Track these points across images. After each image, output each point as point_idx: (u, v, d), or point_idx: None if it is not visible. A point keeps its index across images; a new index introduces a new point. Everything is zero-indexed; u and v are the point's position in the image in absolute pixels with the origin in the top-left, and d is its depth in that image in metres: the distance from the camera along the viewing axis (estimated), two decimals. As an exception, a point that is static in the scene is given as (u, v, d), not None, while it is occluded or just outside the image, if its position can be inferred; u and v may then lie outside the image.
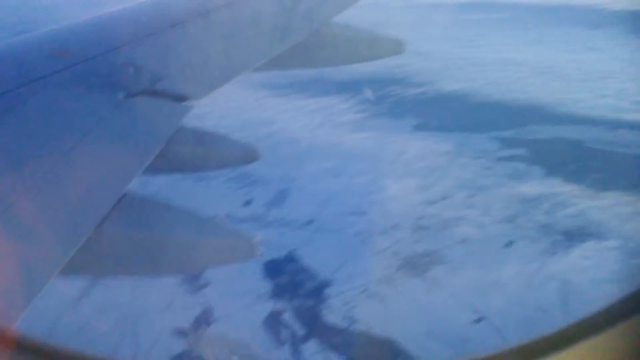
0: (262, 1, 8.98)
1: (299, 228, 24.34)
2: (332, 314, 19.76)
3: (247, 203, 26.52)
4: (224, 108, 29.46)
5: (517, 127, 32.15)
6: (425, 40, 45.02)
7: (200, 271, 20.17)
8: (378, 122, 34.44)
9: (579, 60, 42.43)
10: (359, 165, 28.87)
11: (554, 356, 2.12)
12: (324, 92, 38.35)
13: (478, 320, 19.00)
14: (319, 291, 20.76)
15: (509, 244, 22.55)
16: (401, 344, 18.24)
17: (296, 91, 38.46)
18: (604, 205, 24.42)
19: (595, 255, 21.48)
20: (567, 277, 20.46)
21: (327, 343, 18.81)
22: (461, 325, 18.81)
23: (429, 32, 48.58)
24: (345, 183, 27.41)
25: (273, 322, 19.54)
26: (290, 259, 22.37)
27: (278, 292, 20.81)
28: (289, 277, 21.49)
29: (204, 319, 19.64)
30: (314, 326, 19.38)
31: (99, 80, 5.65)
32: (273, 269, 21.74)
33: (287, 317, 19.77)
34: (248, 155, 6.30)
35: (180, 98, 5.75)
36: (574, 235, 22.78)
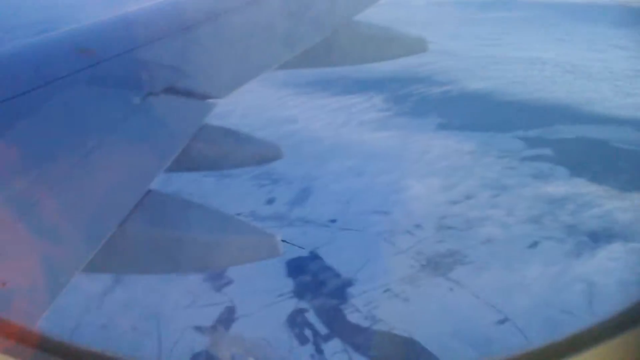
0: (285, 0, 8.96)
1: (321, 226, 24.33)
2: (355, 313, 19.72)
3: (270, 201, 26.57)
4: (246, 106, 29.49)
5: (542, 127, 31.94)
6: (448, 39, 44.90)
7: (222, 269, 20.22)
8: (401, 121, 34.37)
9: (604, 59, 42.09)
10: (381, 164, 28.80)
11: (576, 357, 2.08)
12: (347, 91, 38.35)
13: (502, 321, 18.88)
14: (341, 290, 20.73)
15: (534, 244, 22.38)
16: (424, 344, 18.17)
17: (319, 90, 38.48)
18: (630, 206, 24.17)
19: (622, 257, 21.25)
20: (593, 279, 20.27)
21: (350, 342, 18.77)
22: (485, 326, 18.69)
23: (452, 30, 48.47)
24: (368, 182, 27.36)
25: (295, 320, 19.55)
26: (313, 257, 22.37)
27: (300, 291, 20.81)
28: (311, 276, 21.49)
29: (226, 317, 19.69)
30: (336, 325, 19.35)
31: (123, 78, 5.65)
32: (296, 267, 21.75)
33: (310, 315, 19.77)
34: (271, 154, 6.27)
35: (203, 96, 5.74)
36: (600, 236, 22.56)
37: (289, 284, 21.09)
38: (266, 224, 23.82)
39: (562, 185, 26.11)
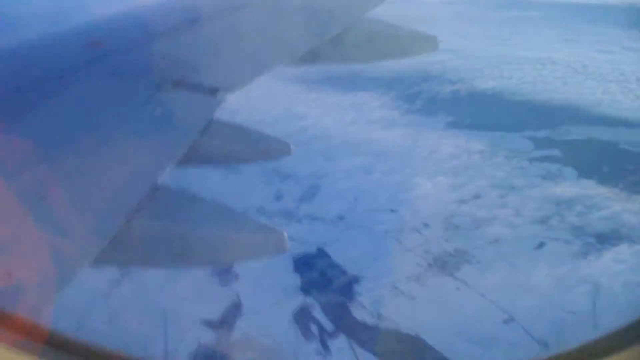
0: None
1: (329, 224, 24.33)
2: (361, 311, 19.72)
3: (278, 198, 26.57)
4: (256, 101, 29.53)
5: (552, 127, 31.86)
6: (459, 37, 44.89)
7: (229, 265, 20.26)
8: (411, 119, 34.34)
9: (615, 61, 41.98)
10: (391, 163, 28.80)
11: None
12: (357, 88, 38.36)
13: (507, 321, 18.86)
14: (348, 288, 20.73)
15: (541, 245, 22.35)
16: (430, 343, 18.17)
17: (329, 86, 38.48)
18: (638, 209, 24.11)
19: (628, 259, 21.21)
20: (599, 280, 20.23)
21: (355, 339, 18.78)
22: (490, 325, 18.68)
23: (463, 29, 48.46)
24: (377, 180, 27.35)
25: (301, 317, 19.57)
26: (320, 254, 22.38)
27: (307, 287, 20.82)
28: (318, 273, 21.50)
29: (232, 313, 19.72)
30: (343, 323, 19.36)
31: (132, 72, 5.67)
32: (303, 264, 21.77)
33: (316, 312, 19.78)
34: (279, 150, 6.27)
35: (212, 91, 5.75)
36: (607, 238, 22.51)
37: (295, 280, 21.10)
38: (274, 220, 23.86)
39: (570, 187, 26.04)
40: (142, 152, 4.60)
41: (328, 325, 19.31)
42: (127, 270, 18.99)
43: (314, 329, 19.20)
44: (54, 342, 2.44)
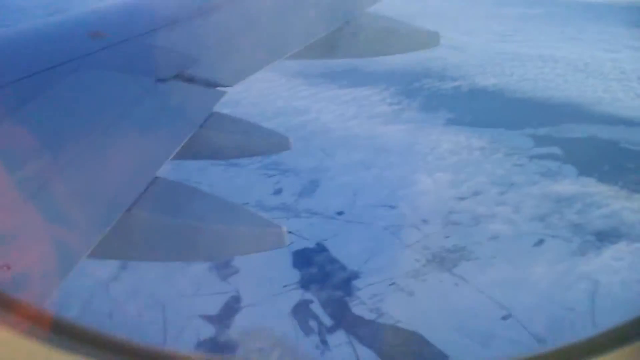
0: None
1: (328, 219, 24.34)
2: (360, 306, 19.74)
3: (278, 192, 26.57)
4: (256, 95, 29.55)
5: (552, 125, 31.89)
6: (461, 34, 44.90)
7: (228, 259, 20.26)
8: (411, 115, 34.36)
9: (617, 59, 41.99)
10: (390, 158, 28.81)
11: None
12: (358, 83, 38.38)
13: (505, 317, 18.88)
14: (347, 283, 20.75)
15: (540, 242, 22.37)
16: (428, 338, 18.18)
17: (329, 81, 38.51)
18: (637, 207, 24.13)
19: (627, 257, 21.24)
20: (597, 278, 20.26)
21: (354, 335, 18.79)
22: (488, 321, 18.70)
23: (465, 25, 48.45)
24: (377, 175, 27.36)
25: (300, 311, 19.57)
26: (319, 249, 22.39)
27: (306, 282, 20.83)
28: (317, 268, 21.51)
29: (231, 306, 19.73)
30: (341, 317, 19.37)
31: (132, 63, 5.65)
32: (302, 259, 21.77)
33: (315, 307, 19.79)
34: (279, 144, 6.25)
35: (212, 84, 5.73)
36: (606, 236, 22.54)
37: (294, 275, 21.10)
38: (273, 215, 23.82)
39: (570, 184, 26.06)
40: (142, 144, 4.58)
41: (326, 320, 19.32)
42: (125, 263, 18.99)
43: (312, 323, 19.21)
44: (58, 329, 2.43)
